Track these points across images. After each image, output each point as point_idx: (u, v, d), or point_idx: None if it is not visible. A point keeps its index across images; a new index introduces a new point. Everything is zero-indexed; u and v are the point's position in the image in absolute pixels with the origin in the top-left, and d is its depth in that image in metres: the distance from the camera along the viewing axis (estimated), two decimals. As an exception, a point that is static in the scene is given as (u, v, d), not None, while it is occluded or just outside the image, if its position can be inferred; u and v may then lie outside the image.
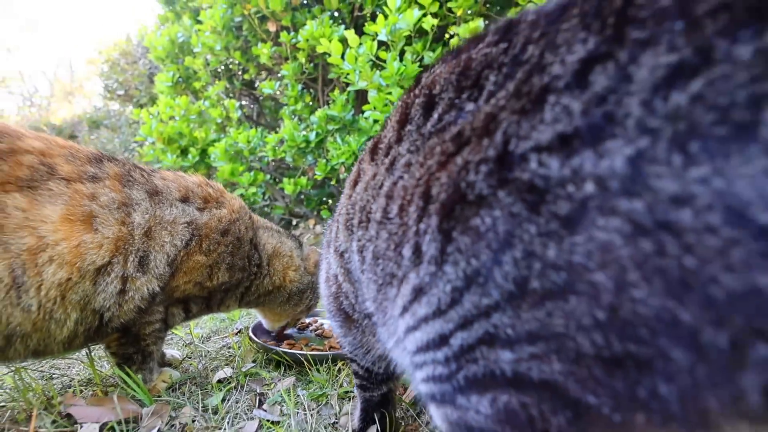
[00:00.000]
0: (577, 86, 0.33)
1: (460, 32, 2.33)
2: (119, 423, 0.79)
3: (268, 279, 1.11)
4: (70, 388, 0.97)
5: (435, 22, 2.31)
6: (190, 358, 1.20)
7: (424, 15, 2.30)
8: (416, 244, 0.44)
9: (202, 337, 1.38)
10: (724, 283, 0.26)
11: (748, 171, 0.25)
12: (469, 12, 2.51)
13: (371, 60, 2.41)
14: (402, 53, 2.47)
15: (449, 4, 2.45)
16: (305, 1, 2.94)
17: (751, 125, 0.25)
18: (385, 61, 2.34)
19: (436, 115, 0.49)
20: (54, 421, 0.80)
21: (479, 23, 2.29)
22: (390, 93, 2.37)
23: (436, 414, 0.48)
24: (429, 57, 2.43)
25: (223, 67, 3.20)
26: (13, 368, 0.94)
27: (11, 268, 0.73)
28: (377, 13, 2.67)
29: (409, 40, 2.46)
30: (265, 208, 4.28)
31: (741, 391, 0.27)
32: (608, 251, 0.30)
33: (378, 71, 2.38)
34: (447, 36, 2.89)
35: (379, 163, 0.59)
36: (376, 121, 2.46)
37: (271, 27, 2.85)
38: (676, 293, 0.28)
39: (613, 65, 0.32)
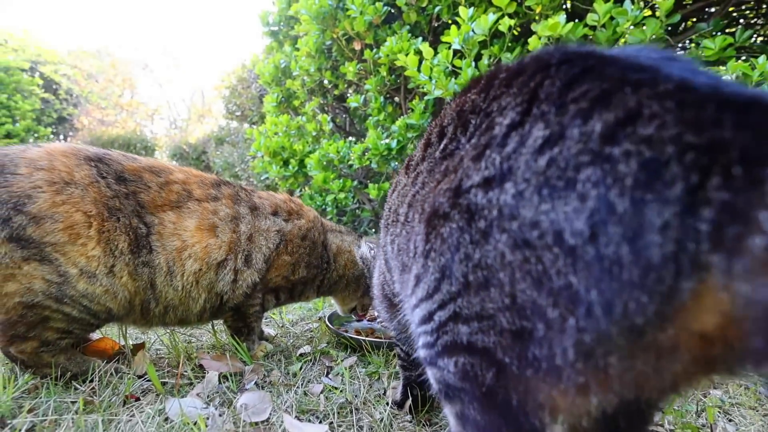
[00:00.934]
0: (501, 145, 0.50)
1: (539, 30, 2.32)
2: (231, 375, 1.14)
3: (335, 273, 1.41)
4: (201, 348, 1.39)
5: (512, 22, 2.34)
6: (281, 336, 1.56)
7: (501, 17, 2.35)
8: (415, 242, 0.63)
9: (291, 321, 1.74)
10: (554, 281, 0.41)
11: (566, 209, 0.40)
12: (549, 8, 2.46)
13: (448, 67, 2.55)
14: (480, 56, 2.55)
15: (527, 2, 2.45)
16: (392, 13, 3.22)
17: (573, 181, 0.40)
18: (460, 68, 2.45)
19: (442, 145, 0.67)
20: (192, 369, 1.19)
21: (559, 18, 2.25)
22: (464, 99, 2.47)
23: (429, 373, 0.66)
24: (506, 58, 2.47)
25: (317, 86, 3.68)
26: (168, 332, 1.39)
27: (167, 261, 1.12)
28: (454, 20, 2.79)
29: (485, 44, 2.53)
30: (356, 210, 4.72)
31: (565, 350, 0.41)
32: (503, 257, 0.46)
33: (453, 79, 2.51)
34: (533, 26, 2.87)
35: (409, 175, 0.78)
36: (451, 128, 2.60)
37: (357, 46, 3.20)
38: (535, 285, 0.43)
39: (520, 132, 0.48)
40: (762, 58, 1.76)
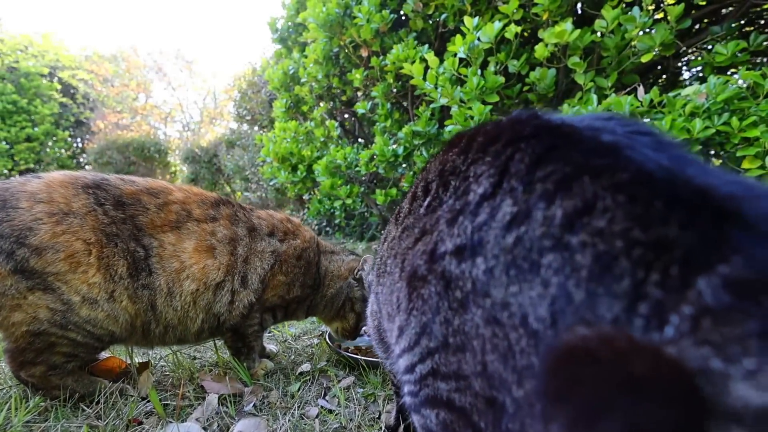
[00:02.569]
0: (474, 214, 0.50)
1: (546, 37, 2.28)
2: (230, 396, 1.16)
3: (322, 295, 1.43)
4: (204, 366, 1.42)
5: (519, 29, 2.31)
6: (282, 352, 1.58)
7: (508, 24, 2.32)
8: (398, 296, 0.64)
9: (294, 335, 1.77)
10: (518, 359, 0.41)
11: (531, 294, 0.41)
12: (557, 14, 2.42)
13: (453, 75, 2.53)
14: (486, 64, 2.53)
15: (534, 9, 2.41)
16: (398, 21, 3.22)
17: (537, 265, 0.40)
18: (466, 76, 2.43)
19: (426, 201, 0.68)
20: (194, 389, 1.22)
21: (566, 25, 2.21)
22: (470, 108, 2.46)
23: (414, 419, 0.67)
24: (513, 65, 2.45)
25: (325, 91, 3.70)
26: (172, 351, 1.42)
27: (167, 282, 1.15)
28: (460, 27, 2.76)
29: (491, 51, 2.50)
30: (365, 214, 4.75)
31: None
32: (477, 328, 0.47)
33: (459, 87, 2.50)
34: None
35: (398, 227, 0.79)
36: (457, 136, 2.58)
37: (364, 53, 3.20)
38: (502, 360, 0.44)
39: (491, 204, 0.48)
40: (776, 67, 1.71)
